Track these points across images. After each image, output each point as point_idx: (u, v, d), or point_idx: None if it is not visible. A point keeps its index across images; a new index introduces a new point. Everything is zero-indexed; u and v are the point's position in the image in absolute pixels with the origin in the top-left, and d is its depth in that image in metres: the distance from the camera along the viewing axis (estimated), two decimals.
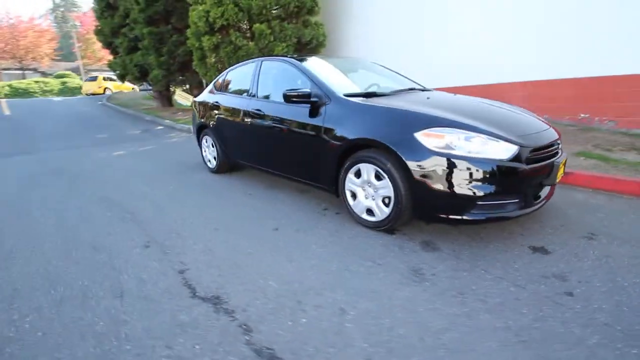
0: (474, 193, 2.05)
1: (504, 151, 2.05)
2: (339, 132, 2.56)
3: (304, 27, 8.98)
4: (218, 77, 4.28)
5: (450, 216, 2.13)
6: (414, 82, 3.61)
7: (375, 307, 1.67)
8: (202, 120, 4.33)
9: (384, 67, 3.84)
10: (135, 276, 2.04)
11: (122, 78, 13.48)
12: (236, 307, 1.71)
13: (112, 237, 2.63)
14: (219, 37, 8.57)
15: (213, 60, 9.06)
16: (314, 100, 2.74)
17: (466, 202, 2.07)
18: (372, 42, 8.64)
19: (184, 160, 5.30)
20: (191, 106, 4.78)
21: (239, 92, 3.76)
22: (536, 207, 2.24)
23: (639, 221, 2.49)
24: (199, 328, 1.58)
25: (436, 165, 2.08)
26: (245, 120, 3.48)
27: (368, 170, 2.42)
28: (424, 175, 2.12)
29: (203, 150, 4.51)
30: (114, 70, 14.01)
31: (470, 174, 2.03)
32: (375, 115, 2.42)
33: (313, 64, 3.14)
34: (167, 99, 13.90)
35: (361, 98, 2.67)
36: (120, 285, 1.96)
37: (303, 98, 2.74)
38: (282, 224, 2.71)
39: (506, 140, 2.08)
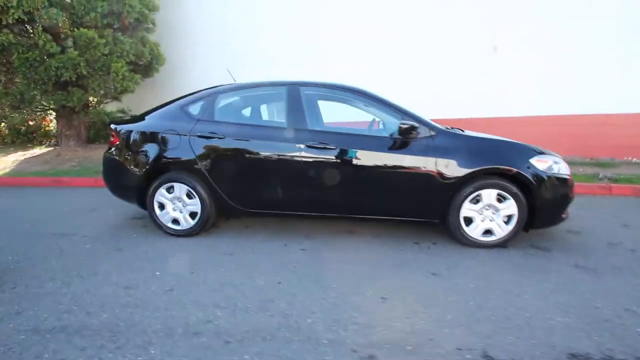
0: (568, 200, 2.78)
1: (568, 168, 2.91)
2: (457, 164, 2.62)
3: (142, 45, 7.38)
4: (190, 101, 2.97)
5: (558, 221, 2.77)
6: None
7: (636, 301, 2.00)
8: (161, 160, 2.87)
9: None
10: None
11: None
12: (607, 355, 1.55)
13: None
14: (11, 35, 5.53)
15: None
16: (416, 133, 2.66)
17: (565, 207, 2.77)
18: (209, 68, 7.80)
19: (73, 231, 3.21)
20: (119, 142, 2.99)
21: (260, 122, 2.86)
22: None
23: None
24: None
25: (551, 183, 2.65)
26: (293, 157, 2.72)
27: (490, 195, 2.65)
28: (546, 192, 2.63)
29: (155, 206, 2.95)
30: None
31: (566, 186, 2.74)
32: (494, 147, 2.70)
33: (375, 94, 2.95)
34: None
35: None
36: None
37: (413, 131, 2.60)
38: (431, 269, 2.39)
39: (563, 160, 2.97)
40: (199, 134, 2.83)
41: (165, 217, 2.97)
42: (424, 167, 2.65)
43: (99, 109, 7.09)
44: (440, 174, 2.64)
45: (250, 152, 2.79)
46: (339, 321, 1.80)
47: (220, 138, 2.81)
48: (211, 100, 2.96)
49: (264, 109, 3.07)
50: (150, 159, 2.89)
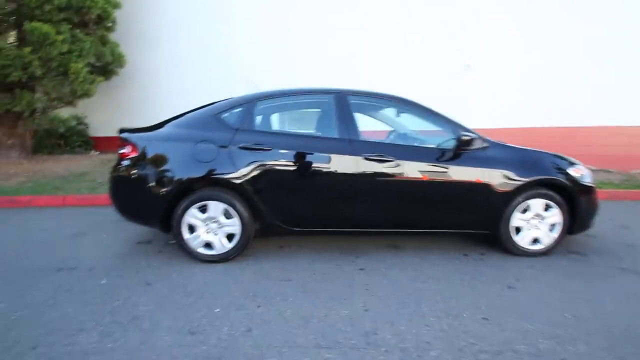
0: (597, 206, 2.95)
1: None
2: (512, 174, 2.64)
3: (102, 45, 6.61)
4: (224, 108, 2.61)
5: (590, 226, 2.93)
6: None
7: None
8: (194, 175, 2.48)
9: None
10: None
11: None
12: None
13: None
14: None
15: None
16: (472, 145, 2.65)
17: (596, 213, 2.94)
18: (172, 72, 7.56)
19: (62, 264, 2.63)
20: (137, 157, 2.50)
21: (308, 132, 2.62)
22: None
23: None
24: None
25: (587, 190, 2.81)
26: (350, 170, 2.52)
27: (537, 205, 2.72)
28: (584, 200, 2.78)
29: (184, 229, 2.53)
30: None
31: (594, 193, 2.93)
32: (539, 158, 2.78)
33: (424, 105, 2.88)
34: None
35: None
36: None
37: (472, 143, 2.58)
38: (503, 282, 2.35)
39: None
40: (241, 145, 2.50)
41: (195, 241, 2.55)
42: (481, 178, 2.64)
43: (52, 114, 6.10)
44: (497, 185, 2.65)
45: (300, 165, 2.54)
46: (463, 350, 1.65)
47: (266, 150, 2.51)
48: (250, 107, 2.64)
49: (310, 117, 2.83)
50: (180, 174, 2.48)
